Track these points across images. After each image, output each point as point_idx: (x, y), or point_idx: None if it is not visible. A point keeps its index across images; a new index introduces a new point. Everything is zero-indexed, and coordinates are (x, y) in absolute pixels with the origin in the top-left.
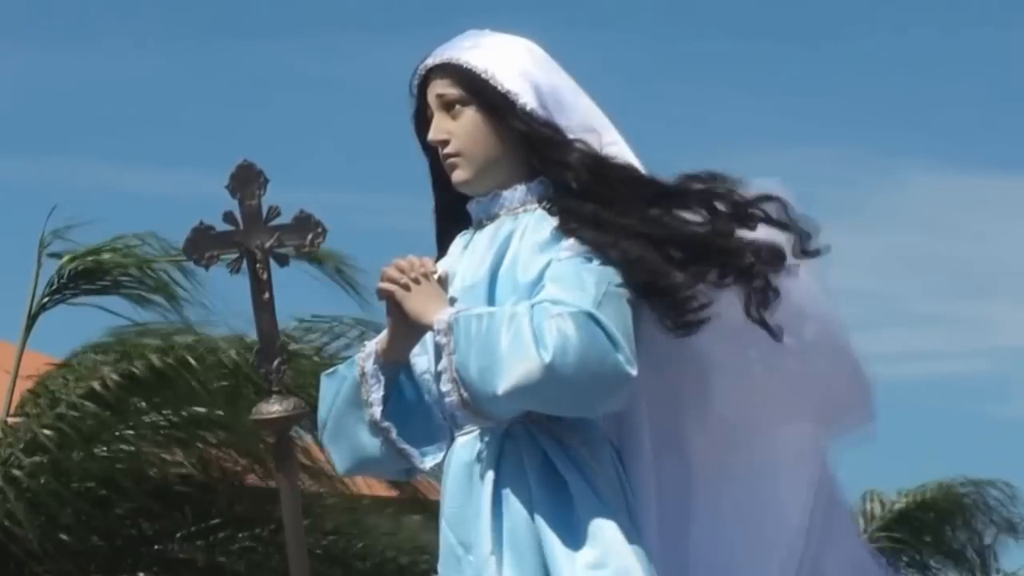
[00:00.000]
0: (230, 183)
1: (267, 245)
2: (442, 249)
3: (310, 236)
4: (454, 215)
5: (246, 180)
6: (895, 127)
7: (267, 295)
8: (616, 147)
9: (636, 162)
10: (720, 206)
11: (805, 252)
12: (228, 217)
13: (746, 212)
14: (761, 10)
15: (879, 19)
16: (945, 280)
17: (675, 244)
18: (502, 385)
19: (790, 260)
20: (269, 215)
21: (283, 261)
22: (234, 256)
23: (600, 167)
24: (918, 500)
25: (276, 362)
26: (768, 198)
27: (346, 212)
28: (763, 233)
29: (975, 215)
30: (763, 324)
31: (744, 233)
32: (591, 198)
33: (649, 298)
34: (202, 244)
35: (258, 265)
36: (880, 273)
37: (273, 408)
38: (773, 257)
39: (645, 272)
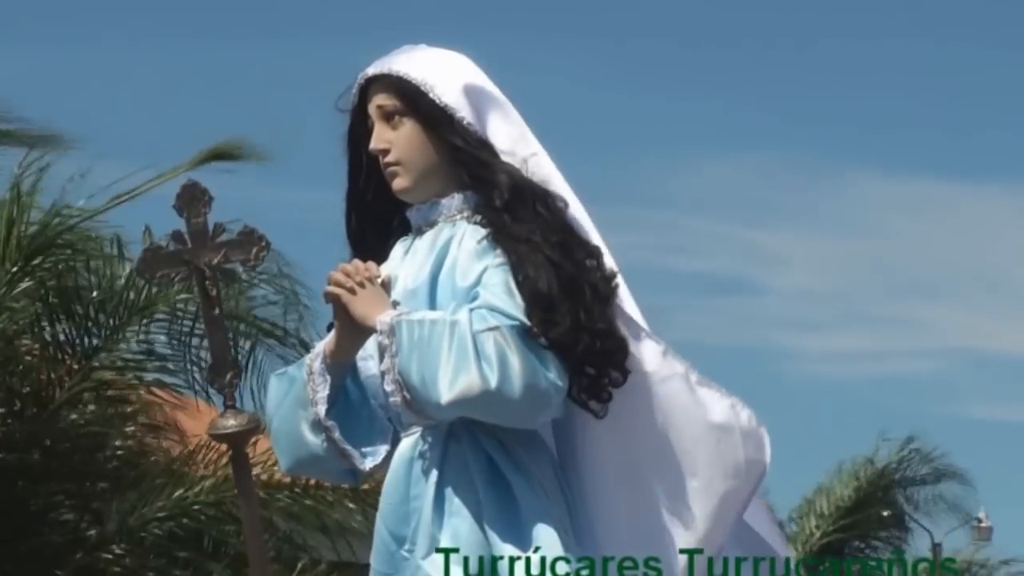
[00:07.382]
0: (176, 202)
1: (215, 262)
2: (360, 249)
3: (254, 250)
4: (375, 216)
5: (191, 199)
6: (843, 134)
7: (217, 311)
8: (537, 158)
9: (556, 173)
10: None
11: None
12: (176, 236)
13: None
14: (718, 18)
15: (832, 29)
16: (891, 282)
17: (573, 279)
18: (445, 396)
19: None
20: (215, 232)
21: (231, 277)
22: (184, 274)
23: (523, 189)
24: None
25: (228, 376)
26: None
27: None
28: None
29: (919, 220)
30: (585, 407)
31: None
32: (513, 214)
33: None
34: (154, 264)
35: (207, 282)
36: (832, 275)
37: (228, 423)
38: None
39: (540, 312)
